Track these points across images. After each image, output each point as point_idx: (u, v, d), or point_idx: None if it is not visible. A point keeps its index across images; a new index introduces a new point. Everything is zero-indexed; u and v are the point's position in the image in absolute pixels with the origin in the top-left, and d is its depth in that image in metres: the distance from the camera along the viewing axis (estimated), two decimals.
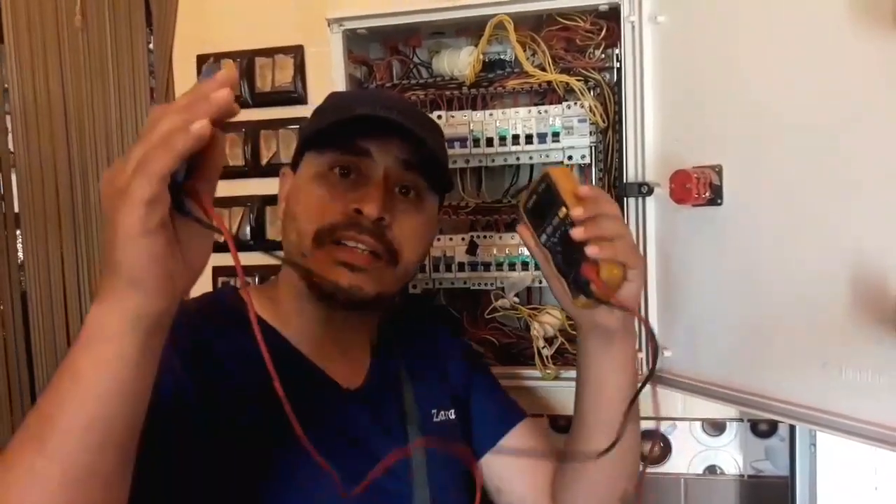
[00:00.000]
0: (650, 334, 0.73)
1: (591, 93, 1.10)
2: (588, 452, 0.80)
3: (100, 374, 0.50)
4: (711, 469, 1.23)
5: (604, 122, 1.10)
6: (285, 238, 0.84)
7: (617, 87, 1.09)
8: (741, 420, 1.20)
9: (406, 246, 0.82)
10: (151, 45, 1.45)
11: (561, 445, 1.04)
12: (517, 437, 0.96)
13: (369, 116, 0.80)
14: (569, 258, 0.76)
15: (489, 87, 1.15)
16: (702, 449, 1.23)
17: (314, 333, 0.84)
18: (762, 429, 1.20)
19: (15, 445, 0.51)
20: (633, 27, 1.02)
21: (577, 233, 0.73)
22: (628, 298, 0.76)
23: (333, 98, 0.91)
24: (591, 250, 0.72)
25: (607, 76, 1.12)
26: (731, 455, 1.22)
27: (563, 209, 0.76)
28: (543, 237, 0.80)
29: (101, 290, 0.50)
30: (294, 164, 0.87)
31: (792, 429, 1.08)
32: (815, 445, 1.03)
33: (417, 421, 0.88)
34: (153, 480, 0.63)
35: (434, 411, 0.91)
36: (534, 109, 1.12)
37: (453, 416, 0.93)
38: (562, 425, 1.22)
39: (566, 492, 0.90)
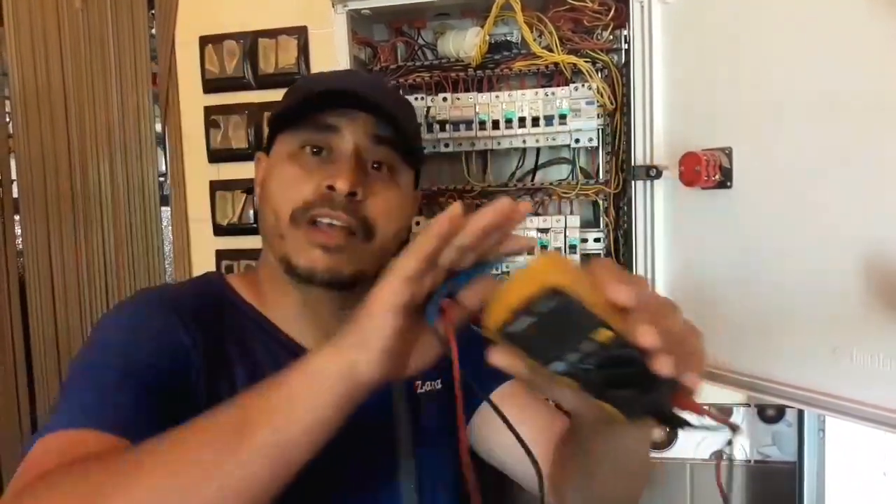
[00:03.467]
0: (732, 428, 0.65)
1: (599, 74, 1.09)
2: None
3: (307, 402, 0.56)
4: (718, 454, 1.23)
5: (612, 104, 1.09)
6: (262, 221, 0.84)
7: (625, 69, 1.08)
8: (748, 405, 1.19)
9: (381, 220, 0.81)
10: (154, 29, 1.44)
11: None
12: (508, 393, 0.92)
13: (335, 91, 0.80)
14: (623, 384, 0.54)
15: (495, 68, 1.14)
16: (708, 434, 1.22)
17: (297, 314, 0.84)
18: (769, 414, 1.19)
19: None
20: (641, 7, 1.01)
21: (662, 366, 0.49)
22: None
23: (303, 80, 0.91)
24: (690, 380, 0.52)
25: (615, 57, 1.11)
26: (738, 440, 1.22)
27: (604, 331, 0.51)
28: (559, 366, 0.55)
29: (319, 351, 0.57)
30: (267, 148, 0.87)
31: (800, 414, 1.08)
32: (823, 430, 1.03)
33: (401, 396, 0.87)
34: None
35: (418, 382, 0.90)
36: (541, 91, 1.11)
37: (440, 386, 0.92)
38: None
39: (570, 491, 0.83)
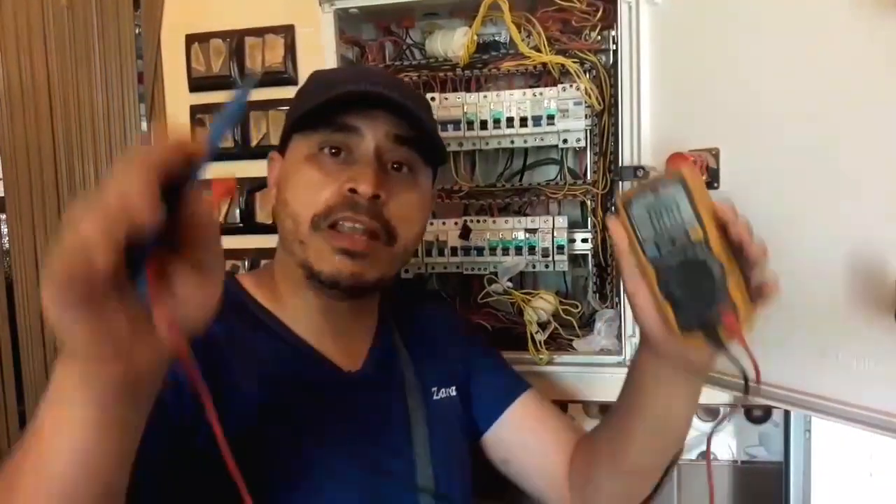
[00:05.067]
0: (754, 375, 0.65)
1: (587, 75, 1.09)
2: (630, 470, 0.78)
3: (56, 435, 0.47)
4: (705, 455, 1.23)
5: (599, 104, 1.09)
6: (280, 225, 0.82)
7: (613, 70, 1.08)
8: (735, 405, 1.19)
9: (403, 224, 0.80)
10: (139, 28, 1.42)
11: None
12: (522, 408, 0.95)
13: (356, 92, 0.78)
14: (691, 287, 0.64)
15: (483, 68, 1.13)
16: (695, 434, 1.22)
17: (313, 318, 0.83)
18: (756, 414, 1.19)
19: None
20: (629, 8, 1.00)
21: (754, 249, 0.63)
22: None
23: (317, 77, 0.89)
24: (747, 306, 0.63)
25: (603, 58, 1.11)
26: (724, 441, 1.22)
27: (699, 230, 0.64)
28: (652, 250, 0.66)
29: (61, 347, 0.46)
30: (282, 148, 0.85)
31: (787, 415, 1.08)
32: (809, 431, 1.03)
33: (418, 401, 0.87)
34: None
35: (434, 389, 0.90)
36: (528, 92, 1.10)
37: (454, 394, 0.93)
38: None
39: (592, 491, 0.87)
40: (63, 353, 0.46)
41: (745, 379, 0.64)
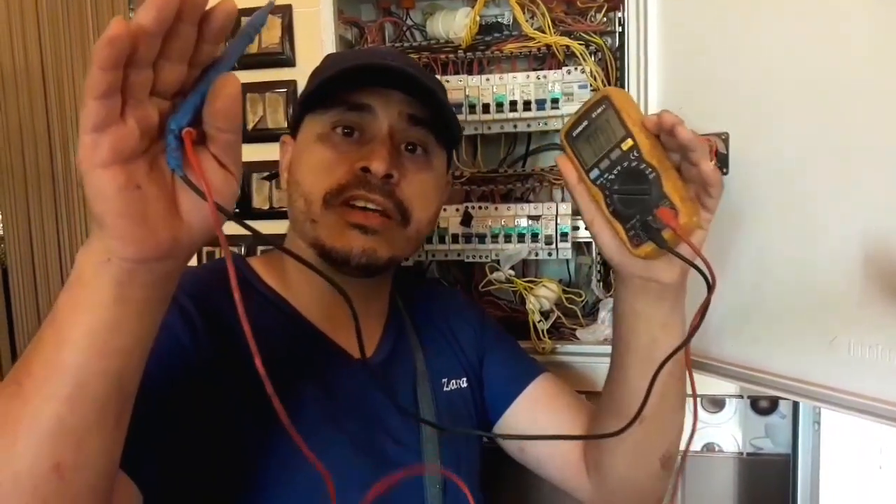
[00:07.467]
0: (709, 285, 0.64)
1: (593, 57, 1.06)
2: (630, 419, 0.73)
3: (73, 317, 0.47)
4: (710, 446, 1.22)
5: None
6: (291, 206, 0.81)
7: (619, 52, 1.05)
8: (741, 396, 1.18)
9: (416, 204, 0.79)
10: (134, 9, 1.40)
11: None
12: (535, 393, 0.93)
13: (368, 66, 0.77)
14: (632, 199, 0.68)
15: (486, 50, 1.11)
16: (700, 426, 1.21)
17: (323, 303, 0.81)
18: (762, 406, 1.18)
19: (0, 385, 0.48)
20: None
21: (682, 132, 0.65)
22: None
23: (330, 59, 0.87)
24: (675, 195, 0.65)
25: (609, 40, 1.08)
26: (730, 432, 1.21)
27: (629, 140, 0.67)
28: (595, 173, 0.70)
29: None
30: (293, 131, 0.84)
31: (795, 406, 1.07)
32: (818, 423, 1.01)
33: (428, 391, 0.86)
34: (147, 447, 0.61)
35: (445, 380, 0.89)
36: (532, 74, 1.08)
37: (465, 385, 0.91)
38: None
39: (606, 455, 0.86)
40: (87, 242, 0.47)
41: (706, 279, 0.64)
